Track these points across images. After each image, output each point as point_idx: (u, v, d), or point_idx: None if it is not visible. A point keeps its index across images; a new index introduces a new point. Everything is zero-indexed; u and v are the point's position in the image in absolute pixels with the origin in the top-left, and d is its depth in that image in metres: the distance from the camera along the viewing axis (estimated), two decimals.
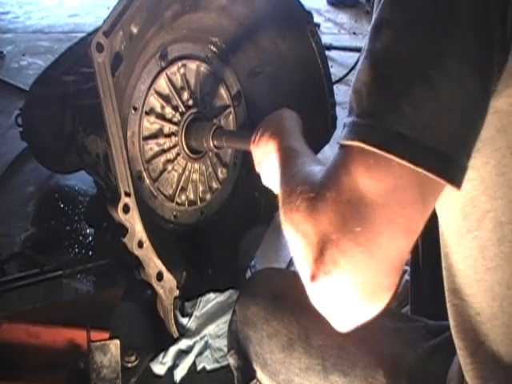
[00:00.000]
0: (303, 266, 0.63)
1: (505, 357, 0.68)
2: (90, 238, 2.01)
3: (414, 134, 0.56)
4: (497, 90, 0.60)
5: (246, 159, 1.89)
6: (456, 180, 0.58)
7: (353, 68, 3.27)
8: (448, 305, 0.75)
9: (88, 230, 2.03)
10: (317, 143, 1.77)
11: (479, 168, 0.63)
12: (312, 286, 0.62)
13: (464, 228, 0.67)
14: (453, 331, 0.75)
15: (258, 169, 1.18)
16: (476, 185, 0.64)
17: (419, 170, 0.56)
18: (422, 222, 0.59)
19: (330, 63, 1.81)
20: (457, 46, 0.56)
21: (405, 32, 0.58)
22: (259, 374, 1.03)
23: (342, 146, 0.61)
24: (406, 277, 1.76)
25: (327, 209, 0.59)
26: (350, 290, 0.59)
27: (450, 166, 0.57)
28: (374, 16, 0.62)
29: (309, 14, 1.70)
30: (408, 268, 1.71)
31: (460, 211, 0.67)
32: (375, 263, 0.58)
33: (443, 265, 0.74)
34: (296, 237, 0.64)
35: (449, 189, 0.59)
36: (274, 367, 0.99)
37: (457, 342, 0.74)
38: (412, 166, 0.56)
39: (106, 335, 1.41)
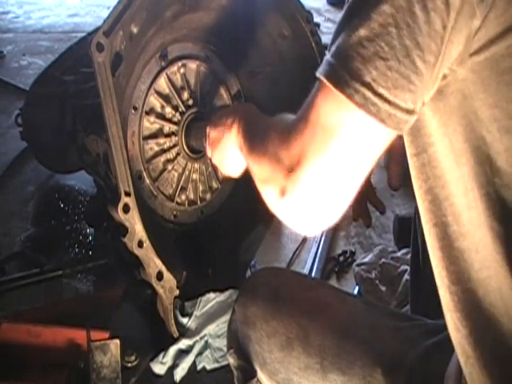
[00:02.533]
0: (272, 187, 0.76)
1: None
2: (90, 238, 2.01)
3: (367, 80, 0.64)
4: (463, 58, 0.65)
5: None
6: (395, 126, 0.67)
7: None
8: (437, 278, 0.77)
9: (88, 230, 2.03)
10: None
11: (450, 135, 0.69)
12: (282, 201, 0.75)
13: (441, 195, 0.73)
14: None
15: (210, 148, 1.24)
16: (449, 152, 0.70)
17: (366, 115, 0.66)
18: (367, 158, 0.71)
19: None
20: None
21: None
22: (259, 373, 1.03)
23: (316, 80, 0.71)
24: (406, 276, 1.76)
25: (298, 136, 0.73)
26: (314, 200, 0.72)
27: (391, 115, 0.66)
28: None
29: (309, 14, 1.70)
30: (408, 268, 1.71)
31: (440, 180, 0.72)
32: (334, 179, 0.71)
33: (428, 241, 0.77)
34: (266, 164, 0.79)
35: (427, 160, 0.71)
36: (273, 366, 0.99)
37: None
38: (359, 110, 0.66)
39: (106, 335, 1.41)
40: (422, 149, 0.73)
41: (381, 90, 0.65)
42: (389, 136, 0.69)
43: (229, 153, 1.15)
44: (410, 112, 0.66)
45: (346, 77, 0.65)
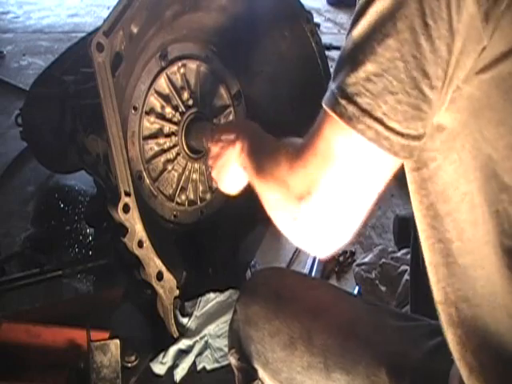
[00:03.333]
0: (284, 211, 0.78)
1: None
2: (90, 238, 2.01)
3: (379, 116, 0.65)
4: (469, 76, 0.65)
5: None
6: (408, 155, 0.68)
7: None
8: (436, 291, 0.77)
9: (88, 230, 2.03)
10: None
11: (459, 151, 0.69)
12: (293, 226, 0.77)
13: (443, 211, 0.72)
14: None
15: (211, 162, 1.23)
16: (456, 167, 0.70)
17: (373, 144, 0.66)
18: (374, 186, 0.72)
19: (329, 63, 1.81)
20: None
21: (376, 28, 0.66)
22: (261, 373, 1.03)
23: (322, 108, 0.72)
24: (406, 276, 1.76)
25: (307, 165, 0.74)
26: (326, 224, 0.74)
27: (403, 147, 0.66)
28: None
29: (309, 14, 1.70)
30: (408, 268, 1.71)
31: (442, 195, 0.72)
32: (345, 205, 0.72)
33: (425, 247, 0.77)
34: (275, 189, 0.81)
35: (428, 175, 0.72)
36: (275, 366, 0.99)
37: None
38: (370, 143, 0.67)
39: (106, 335, 1.41)
40: (423, 163, 0.73)
41: (392, 124, 0.65)
42: (399, 162, 0.71)
43: (230, 169, 1.14)
44: (421, 137, 0.67)
45: (357, 113, 0.66)
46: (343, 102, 0.67)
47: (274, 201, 0.81)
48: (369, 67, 0.65)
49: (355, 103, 0.66)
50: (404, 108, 0.65)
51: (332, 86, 0.69)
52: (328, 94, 0.70)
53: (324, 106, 0.70)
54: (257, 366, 1.03)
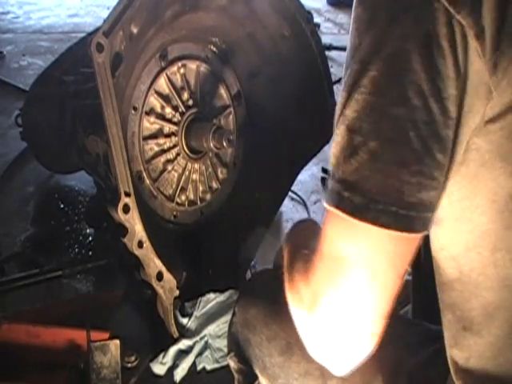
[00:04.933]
0: (299, 320, 0.71)
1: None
2: (90, 238, 2.01)
3: (393, 196, 0.60)
4: (477, 128, 0.61)
5: (246, 159, 1.89)
6: (425, 228, 0.62)
7: None
8: (443, 319, 0.76)
9: (88, 230, 2.03)
10: (317, 143, 1.77)
11: (483, 196, 0.65)
12: (307, 337, 0.70)
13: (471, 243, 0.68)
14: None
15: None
16: (479, 212, 0.66)
17: (391, 231, 0.60)
18: (397, 276, 0.64)
19: (329, 63, 1.81)
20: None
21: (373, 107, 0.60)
22: (259, 377, 1.02)
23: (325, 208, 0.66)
24: (406, 276, 1.76)
25: (314, 272, 0.66)
26: (337, 337, 0.66)
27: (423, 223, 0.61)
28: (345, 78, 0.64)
29: (309, 14, 1.70)
30: (409, 267, 1.71)
31: (470, 236, 0.67)
32: (359, 313, 0.64)
33: (439, 281, 0.75)
34: (293, 297, 0.73)
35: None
36: (273, 371, 0.98)
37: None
38: (384, 229, 0.60)
39: (106, 335, 1.41)
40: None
41: (407, 200, 0.60)
42: (416, 239, 0.64)
43: None
44: (433, 206, 0.63)
45: (365, 201, 0.60)
46: (346, 192, 0.61)
47: (291, 304, 0.74)
48: (373, 145, 0.59)
49: (362, 191, 0.60)
50: (418, 179, 0.59)
51: (330, 180, 0.63)
52: (329, 191, 0.64)
53: (325, 204, 0.64)
54: (255, 369, 1.03)
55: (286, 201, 2.10)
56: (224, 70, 1.80)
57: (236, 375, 1.09)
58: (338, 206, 0.62)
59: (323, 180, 2.44)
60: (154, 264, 1.38)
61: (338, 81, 3.30)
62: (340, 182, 0.62)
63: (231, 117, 1.85)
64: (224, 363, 1.51)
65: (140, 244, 1.33)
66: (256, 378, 1.03)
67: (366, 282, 0.63)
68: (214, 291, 1.61)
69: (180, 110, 1.65)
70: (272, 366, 0.98)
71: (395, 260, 0.64)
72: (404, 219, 0.60)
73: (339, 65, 3.57)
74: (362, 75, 0.60)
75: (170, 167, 1.67)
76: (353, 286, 0.63)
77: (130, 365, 1.45)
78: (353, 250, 0.63)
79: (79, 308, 1.56)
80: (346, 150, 0.61)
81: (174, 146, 1.66)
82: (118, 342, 1.36)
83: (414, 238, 0.63)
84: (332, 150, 0.64)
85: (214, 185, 1.83)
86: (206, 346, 1.55)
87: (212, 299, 1.60)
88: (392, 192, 0.59)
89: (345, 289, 0.63)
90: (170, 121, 1.64)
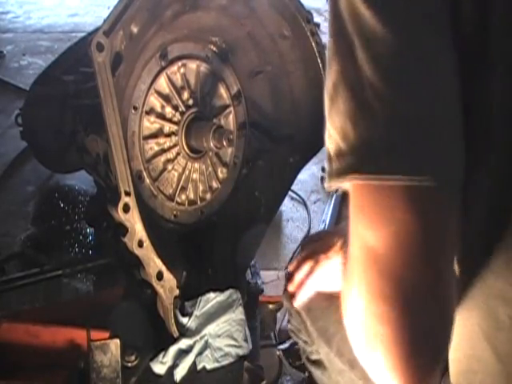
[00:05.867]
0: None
1: None
2: (90, 238, 2.01)
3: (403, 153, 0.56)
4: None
5: (246, 159, 1.89)
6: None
7: None
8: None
9: (88, 230, 2.03)
10: (317, 143, 1.77)
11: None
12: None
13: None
14: None
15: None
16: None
17: (414, 183, 0.55)
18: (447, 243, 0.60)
19: None
20: None
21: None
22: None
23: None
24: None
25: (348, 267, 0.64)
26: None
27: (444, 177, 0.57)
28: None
29: (309, 14, 1.70)
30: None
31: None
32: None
33: None
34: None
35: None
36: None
37: None
38: (407, 182, 0.55)
39: (106, 335, 1.41)
40: None
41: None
42: (447, 193, 0.58)
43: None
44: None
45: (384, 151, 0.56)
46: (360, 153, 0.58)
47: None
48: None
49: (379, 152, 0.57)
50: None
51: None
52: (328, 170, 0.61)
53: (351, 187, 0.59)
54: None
55: (286, 200, 2.11)
56: (224, 69, 1.80)
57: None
58: (360, 174, 0.57)
59: (323, 179, 2.44)
60: (154, 263, 1.38)
61: None
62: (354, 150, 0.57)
63: (231, 116, 1.85)
64: (224, 363, 1.51)
65: (140, 243, 1.33)
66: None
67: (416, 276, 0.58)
68: (214, 291, 1.61)
69: (180, 109, 1.65)
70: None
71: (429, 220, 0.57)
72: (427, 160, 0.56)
73: None
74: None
75: (170, 167, 1.67)
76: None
77: (130, 364, 1.45)
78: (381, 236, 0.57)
79: (79, 308, 1.56)
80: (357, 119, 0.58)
81: (174, 145, 1.66)
82: (118, 341, 1.36)
83: (443, 191, 0.57)
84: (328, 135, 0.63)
85: (214, 184, 1.83)
86: (206, 346, 1.55)
87: (212, 298, 1.60)
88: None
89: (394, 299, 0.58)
90: (170, 120, 1.64)
